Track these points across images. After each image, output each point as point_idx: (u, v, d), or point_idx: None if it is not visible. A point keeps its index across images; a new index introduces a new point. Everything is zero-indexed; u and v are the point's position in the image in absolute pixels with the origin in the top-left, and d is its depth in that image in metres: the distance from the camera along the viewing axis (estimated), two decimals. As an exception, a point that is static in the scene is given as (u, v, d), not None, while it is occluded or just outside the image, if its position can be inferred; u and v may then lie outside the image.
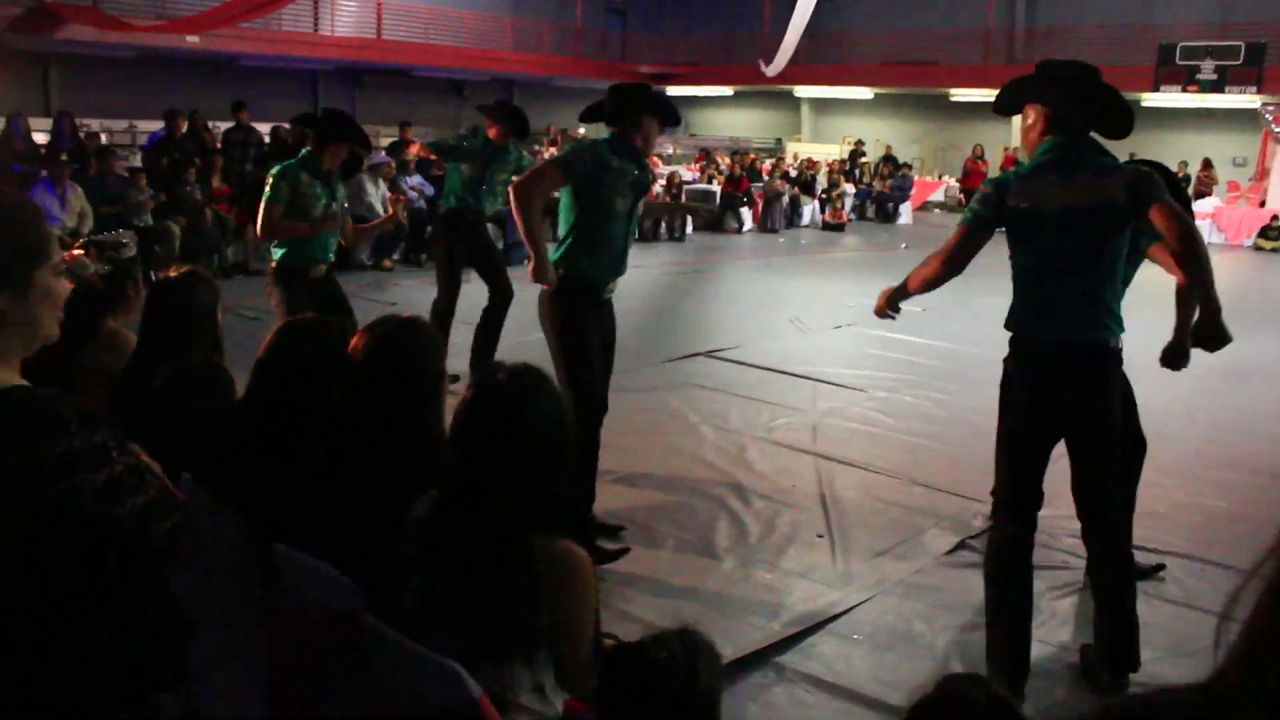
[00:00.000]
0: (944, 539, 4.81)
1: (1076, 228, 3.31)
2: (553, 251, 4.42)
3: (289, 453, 2.58)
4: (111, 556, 1.70)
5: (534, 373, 2.08)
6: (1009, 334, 3.49)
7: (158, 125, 16.45)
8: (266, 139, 14.65)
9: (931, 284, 3.57)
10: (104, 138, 18.46)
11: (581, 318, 4.40)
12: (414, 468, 2.31)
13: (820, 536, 4.80)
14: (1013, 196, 3.36)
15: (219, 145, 13.77)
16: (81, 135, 14.63)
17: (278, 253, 5.69)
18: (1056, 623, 4.06)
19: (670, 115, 4.60)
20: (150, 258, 11.25)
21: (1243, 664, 0.82)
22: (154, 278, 10.79)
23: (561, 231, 4.44)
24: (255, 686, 2.44)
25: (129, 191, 11.38)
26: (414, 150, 7.64)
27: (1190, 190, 21.95)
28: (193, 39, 19.62)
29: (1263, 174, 22.43)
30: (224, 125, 14.83)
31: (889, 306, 3.81)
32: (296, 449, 2.58)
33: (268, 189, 5.52)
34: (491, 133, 7.40)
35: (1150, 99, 23.70)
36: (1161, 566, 4.59)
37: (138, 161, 14.54)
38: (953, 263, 3.48)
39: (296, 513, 2.42)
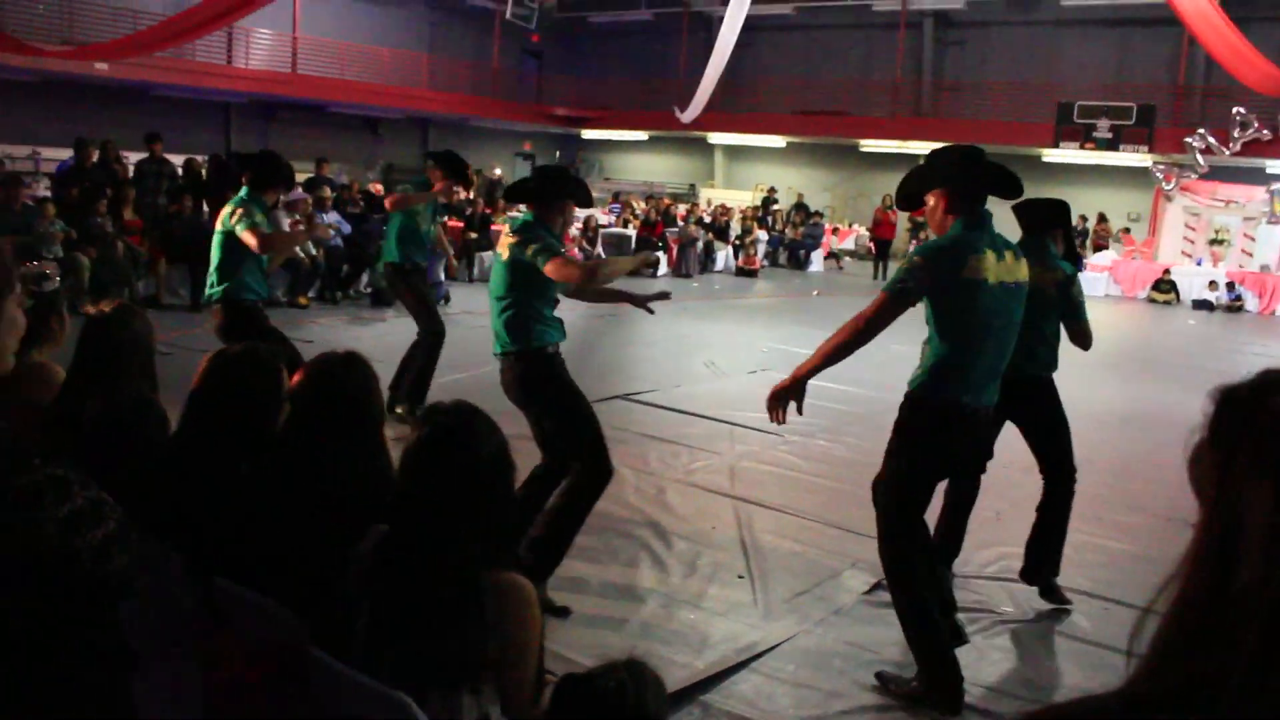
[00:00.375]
0: (860, 579, 4.94)
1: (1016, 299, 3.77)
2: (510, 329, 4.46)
3: (225, 484, 2.60)
4: (71, 588, 1.71)
5: (480, 413, 2.15)
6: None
7: (63, 153, 16.14)
8: (179, 170, 14.46)
9: (847, 350, 3.71)
10: (4, 164, 18.04)
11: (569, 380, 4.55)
12: (356, 503, 2.35)
13: (741, 577, 4.90)
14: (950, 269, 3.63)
15: (130, 176, 13.53)
16: (-15, 162, 14.27)
17: (222, 286, 5.95)
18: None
19: (587, 198, 4.76)
20: (60, 290, 11.02)
21: (1149, 669, 0.92)
22: (62, 310, 10.60)
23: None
24: (190, 722, 2.44)
25: (37, 221, 11.13)
26: (388, 205, 7.68)
27: (1088, 243, 22.82)
28: (101, 66, 19.28)
29: (1155, 230, 23.38)
30: (135, 156, 14.61)
31: (792, 396, 3.79)
32: (233, 480, 2.61)
33: (241, 214, 5.87)
34: (438, 183, 7.53)
35: (1050, 154, 24.62)
36: (1068, 606, 4.77)
37: (42, 190, 14.23)
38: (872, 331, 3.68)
39: (236, 546, 2.45)
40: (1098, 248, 22.95)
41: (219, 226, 6.05)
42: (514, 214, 20.09)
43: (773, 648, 4.16)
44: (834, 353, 3.70)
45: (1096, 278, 21.59)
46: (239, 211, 5.91)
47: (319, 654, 2.07)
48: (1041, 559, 4.82)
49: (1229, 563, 0.90)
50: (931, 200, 3.76)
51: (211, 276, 6.06)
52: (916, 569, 3.81)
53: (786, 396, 3.76)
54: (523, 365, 4.42)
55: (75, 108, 21.11)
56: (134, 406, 3.08)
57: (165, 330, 9.87)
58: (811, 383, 3.79)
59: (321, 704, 2.07)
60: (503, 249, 4.51)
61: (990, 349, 3.72)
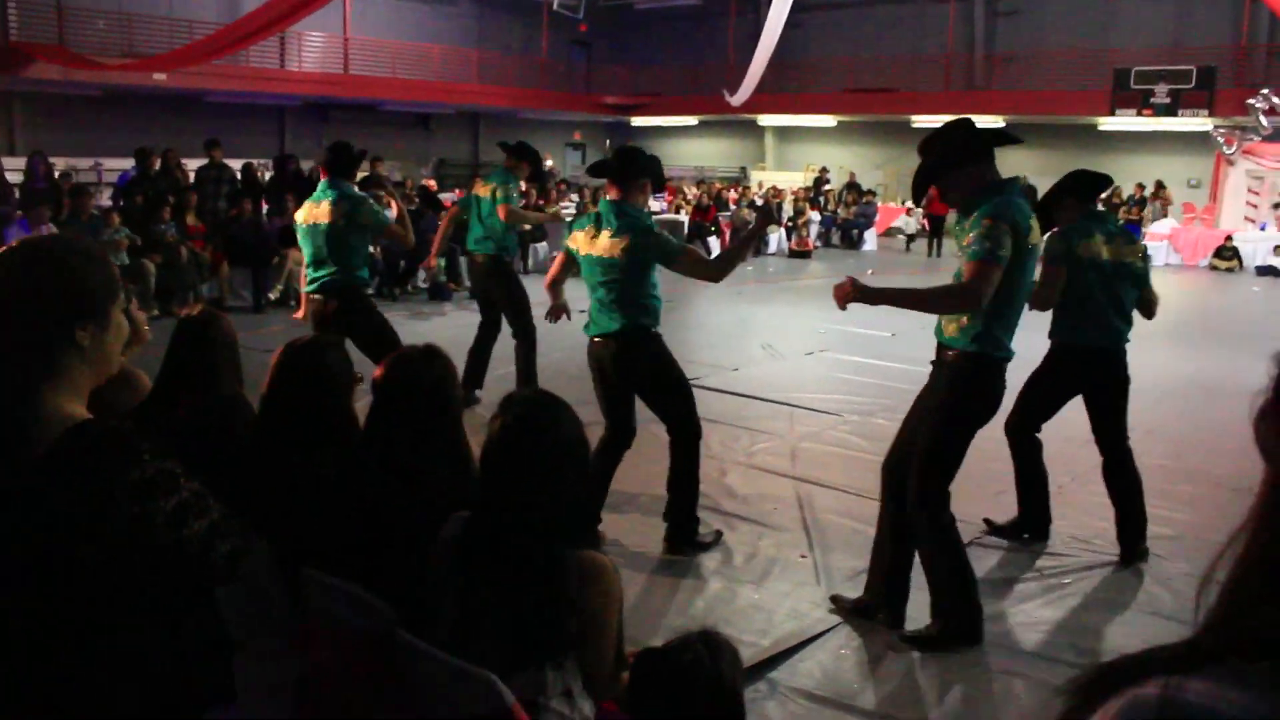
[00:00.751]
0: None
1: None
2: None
3: (306, 473, 2.74)
4: (178, 576, 1.84)
5: (557, 400, 2.26)
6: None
7: (124, 163, 16.51)
8: (238, 175, 14.76)
9: (936, 309, 4.00)
10: (71, 176, 18.50)
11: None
12: (440, 490, 2.47)
13: (803, 556, 4.97)
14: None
15: (191, 182, 13.83)
16: (55, 174, 14.66)
17: (359, 273, 6.34)
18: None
19: (661, 179, 5.07)
20: (127, 295, 11.32)
21: (1215, 623, 0.99)
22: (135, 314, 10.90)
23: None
24: (283, 709, 2.58)
25: (102, 230, 11.44)
26: (503, 215, 7.81)
27: (1146, 211, 22.46)
28: (160, 76, 19.68)
29: (1216, 196, 22.95)
30: (195, 162, 14.92)
31: (852, 298, 3.96)
32: (313, 468, 2.74)
33: (375, 207, 6.33)
34: (524, 179, 7.91)
35: (1106, 122, 24.27)
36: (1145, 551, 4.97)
37: (105, 199, 14.60)
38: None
39: (323, 536, 2.57)
40: (1158, 216, 22.58)
41: (319, 221, 6.19)
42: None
43: (836, 625, 4.24)
44: (921, 304, 3.91)
45: (1156, 246, 21.25)
46: (370, 204, 6.26)
47: (406, 636, 2.18)
48: (1126, 534, 5.00)
49: None
50: (949, 179, 3.90)
51: (324, 267, 6.21)
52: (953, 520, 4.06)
53: (851, 296, 3.91)
54: (642, 343, 4.92)
55: (134, 118, 21.60)
56: (227, 404, 3.23)
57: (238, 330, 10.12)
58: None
59: (410, 684, 2.18)
60: (609, 248, 4.73)
61: (1020, 306, 3.98)
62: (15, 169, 14.63)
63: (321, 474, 2.67)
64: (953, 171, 3.89)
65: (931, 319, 4.09)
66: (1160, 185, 23.33)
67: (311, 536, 2.57)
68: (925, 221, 23.08)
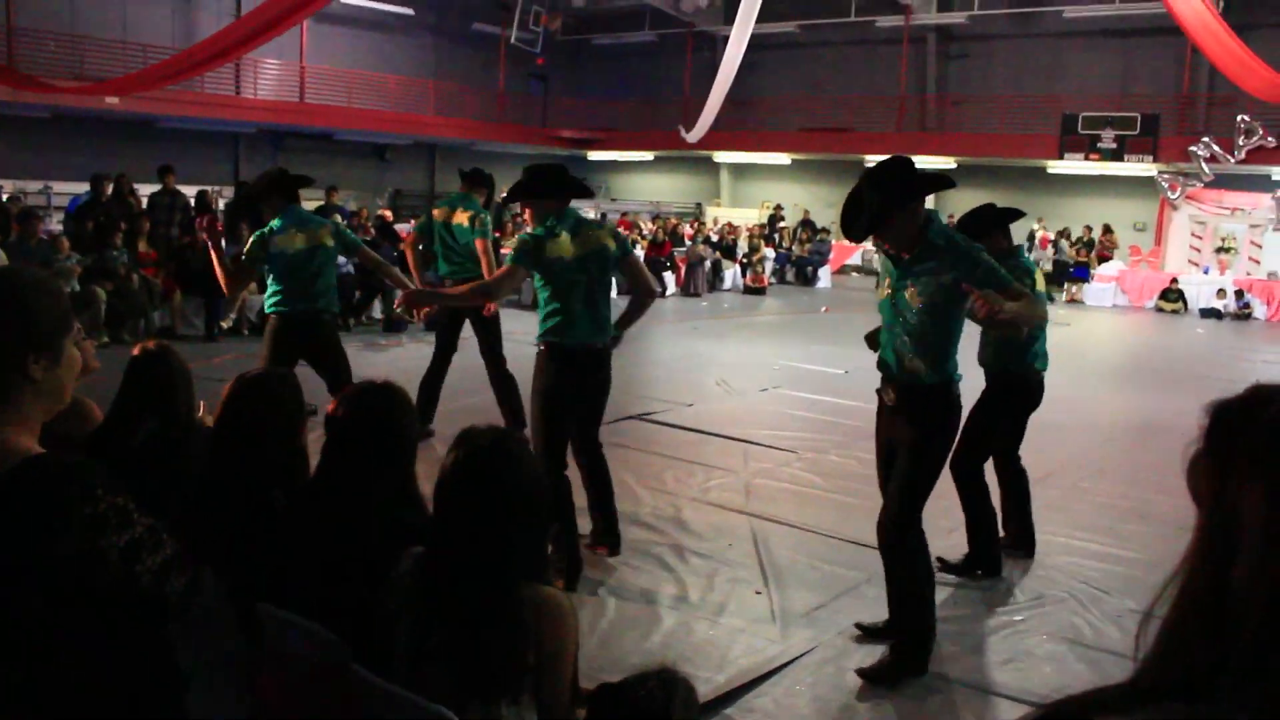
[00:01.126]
0: (876, 592, 5.00)
1: None
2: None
3: (258, 506, 2.71)
4: (130, 611, 1.81)
5: (513, 435, 2.25)
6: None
7: (75, 187, 16.32)
8: (190, 202, 14.62)
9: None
10: (20, 199, 18.24)
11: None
12: (393, 526, 2.45)
13: (759, 593, 4.97)
14: None
15: (144, 209, 13.68)
16: (3, 197, 14.45)
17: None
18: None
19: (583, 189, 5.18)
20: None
21: (1154, 662, 1.01)
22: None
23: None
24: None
25: (53, 256, 11.27)
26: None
27: (1094, 254, 22.87)
28: (112, 100, 19.49)
29: (1161, 239, 23.44)
30: (148, 188, 14.77)
31: None
32: (265, 502, 2.72)
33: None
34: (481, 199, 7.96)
35: (1055, 166, 24.72)
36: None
37: (55, 224, 14.40)
38: None
39: (277, 570, 2.54)
40: (1102, 258, 23.00)
41: (318, 243, 6.22)
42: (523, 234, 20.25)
43: (791, 661, 4.24)
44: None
45: (1104, 288, 21.70)
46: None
47: (360, 671, 2.16)
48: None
49: (1226, 560, 0.99)
50: (899, 218, 3.95)
51: (320, 293, 6.26)
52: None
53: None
54: None
55: (86, 142, 21.36)
56: (184, 430, 3.20)
57: (189, 359, 10.00)
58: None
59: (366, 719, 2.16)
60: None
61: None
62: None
63: (274, 507, 2.65)
64: (900, 211, 3.93)
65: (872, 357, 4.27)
66: (1107, 229, 23.79)
67: (265, 570, 2.54)
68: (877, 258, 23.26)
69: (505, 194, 5.11)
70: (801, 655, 4.29)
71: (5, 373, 1.81)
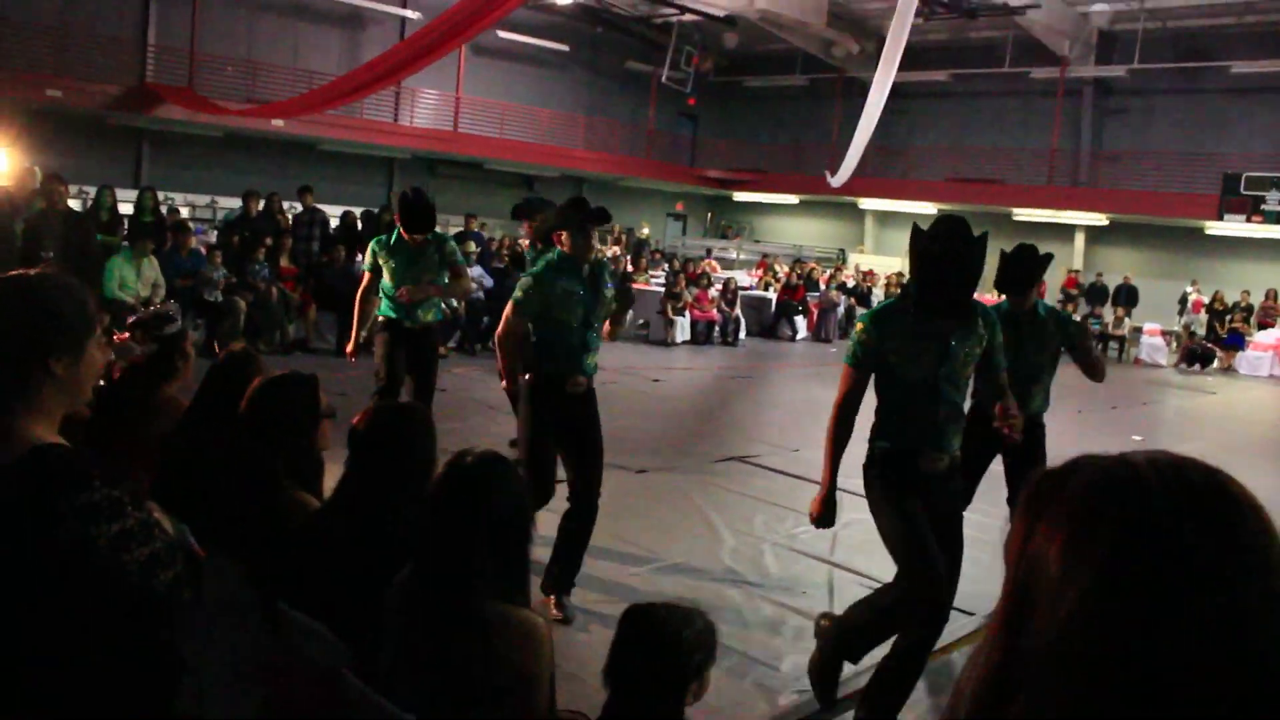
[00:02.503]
0: (942, 653, 4.89)
1: None
2: None
3: (272, 502, 2.85)
4: (118, 599, 1.93)
5: (502, 461, 2.31)
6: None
7: (238, 202, 17.18)
8: (336, 221, 15.24)
9: None
10: (186, 211, 19.32)
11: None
12: (400, 540, 2.54)
13: (823, 642, 4.90)
14: None
15: (288, 226, 14.32)
16: (163, 210, 15.29)
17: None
18: None
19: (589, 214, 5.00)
20: (217, 331, 11.74)
21: None
22: (216, 349, 11.29)
23: None
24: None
25: (203, 267, 11.90)
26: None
27: (1252, 320, 21.83)
28: (278, 122, 20.51)
29: (1327, 309, 22.25)
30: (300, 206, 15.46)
31: None
32: (278, 498, 2.86)
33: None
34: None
35: (1214, 227, 23.74)
36: None
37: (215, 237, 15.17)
38: None
39: (293, 569, 2.66)
40: (1263, 325, 21.92)
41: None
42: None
43: (845, 714, 4.17)
44: None
45: (1260, 357, 20.65)
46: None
47: (350, 678, 2.23)
48: None
49: (1026, 616, 0.99)
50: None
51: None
52: None
53: None
54: None
55: (251, 160, 22.51)
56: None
57: (313, 371, 10.40)
58: None
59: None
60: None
61: None
62: (131, 200, 15.30)
63: (287, 504, 2.77)
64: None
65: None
66: (1272, 294, 22.69)
67: (284, 568, 2.65)
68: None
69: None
70: (848, 712, 4.21)
71: (29, 368, 1.96)
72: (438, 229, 6.86)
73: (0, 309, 1.96)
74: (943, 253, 3.73)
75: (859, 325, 4.00)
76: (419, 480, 2.67)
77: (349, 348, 7.13)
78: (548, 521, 5.10)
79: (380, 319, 6.66)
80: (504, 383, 5.15)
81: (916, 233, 3.84)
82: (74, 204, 18.49)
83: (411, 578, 2.29)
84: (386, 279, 6.57)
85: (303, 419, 3.02)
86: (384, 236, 6.76)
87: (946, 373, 3.87)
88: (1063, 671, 0.94)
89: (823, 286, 20.77)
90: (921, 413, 3.91)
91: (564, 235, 4.90)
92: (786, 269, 21.86)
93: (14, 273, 2.06)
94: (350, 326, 7.25)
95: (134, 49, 21.17)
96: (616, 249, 20.16)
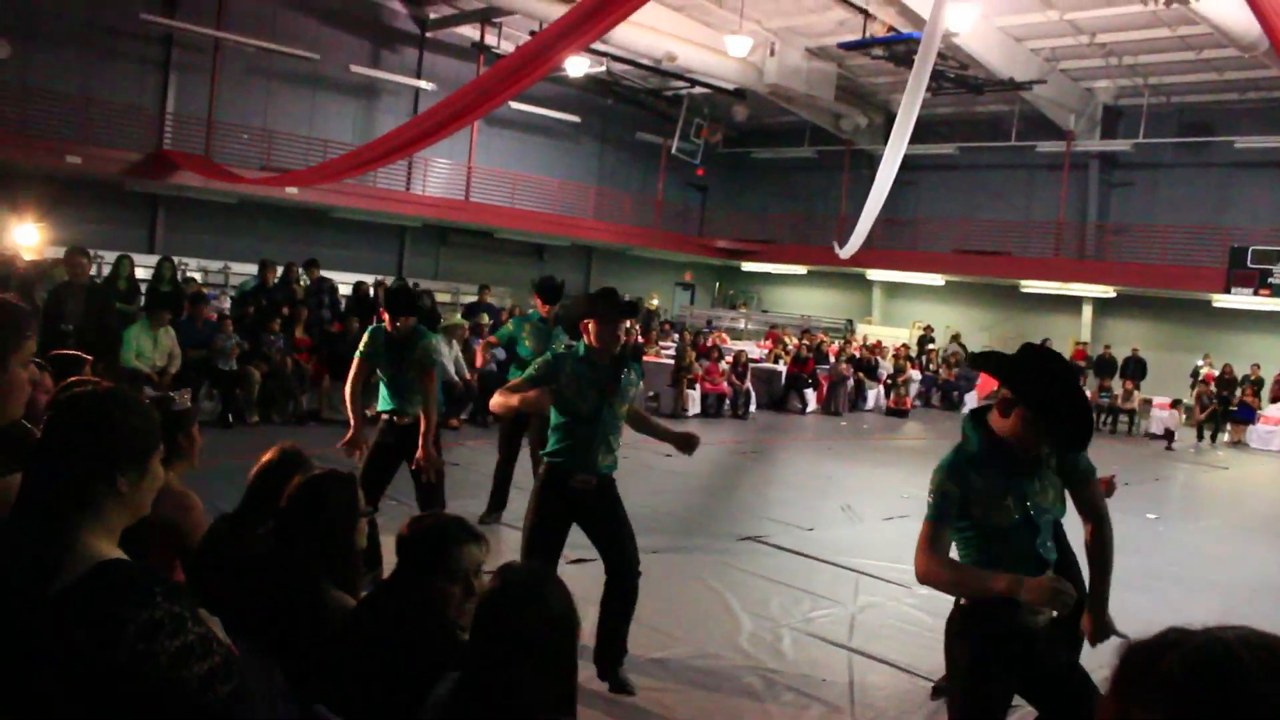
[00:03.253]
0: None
1: None
2: None
3: (314, 605, 2.86)
4: (177, 714, 1.94)
5: (551, 573, 2.33)
6: None
7: (251, 268, 17.36)
8: (348, 289, 15.36)
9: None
10: (199, 276, 19.48)
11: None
12: (441, 651, 2.55)
13: (845, 734, 4.88)
14: None
15: (303, 297, 14.42)
16: (180, 278, 15.43)
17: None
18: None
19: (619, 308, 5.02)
20: (231, 401, 11.79)
21: None
22: (230, 420, 11.32)
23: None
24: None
25: (217, 337, 11.98)
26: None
27: (1265, 393, 21.81)
28: (292, 190, 20.74)
29: (1339, 382, 22.23)
30: (321, 274, 15.58)
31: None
32: (318, 599, 2.87)
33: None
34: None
35: (1221, 300, 23.83)
36: None
37: (228, 303, 15.28)
38: None
39: (330, 672, 2.67)
40: (1275, 399, 21.89)
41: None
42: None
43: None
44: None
45: (1271, 430, 20.60)
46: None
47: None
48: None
49: None
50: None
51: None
52: None
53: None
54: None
55: (266, 227, 22.76)
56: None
57: (325, 443, 10.43)
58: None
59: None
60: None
61: None
62: (147, 266, 15.46)
63: (326, 606, 2.78)
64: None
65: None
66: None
67: (322, 670, 2.66)
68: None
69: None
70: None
71: (94, 484, 2.00)
72: (466, 299, 6.91)
73: (67, 426, 2.01)
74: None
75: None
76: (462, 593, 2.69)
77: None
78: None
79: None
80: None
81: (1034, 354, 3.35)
82: (91, 269, 18.75)
83: (455, 688, 2.29)
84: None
85: (341, 519, 3.04)
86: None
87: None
88: None
89: (832, 359, 20.81)
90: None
91: (591, 325, 4.91)
92: (795, 340, 21.92)
93: (80, 390, 2.10)
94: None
95: (153, 117, 21.49)
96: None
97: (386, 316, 6.46)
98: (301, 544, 2.95)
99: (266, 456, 3.53)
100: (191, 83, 22.14)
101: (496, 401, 5.01)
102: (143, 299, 13.17)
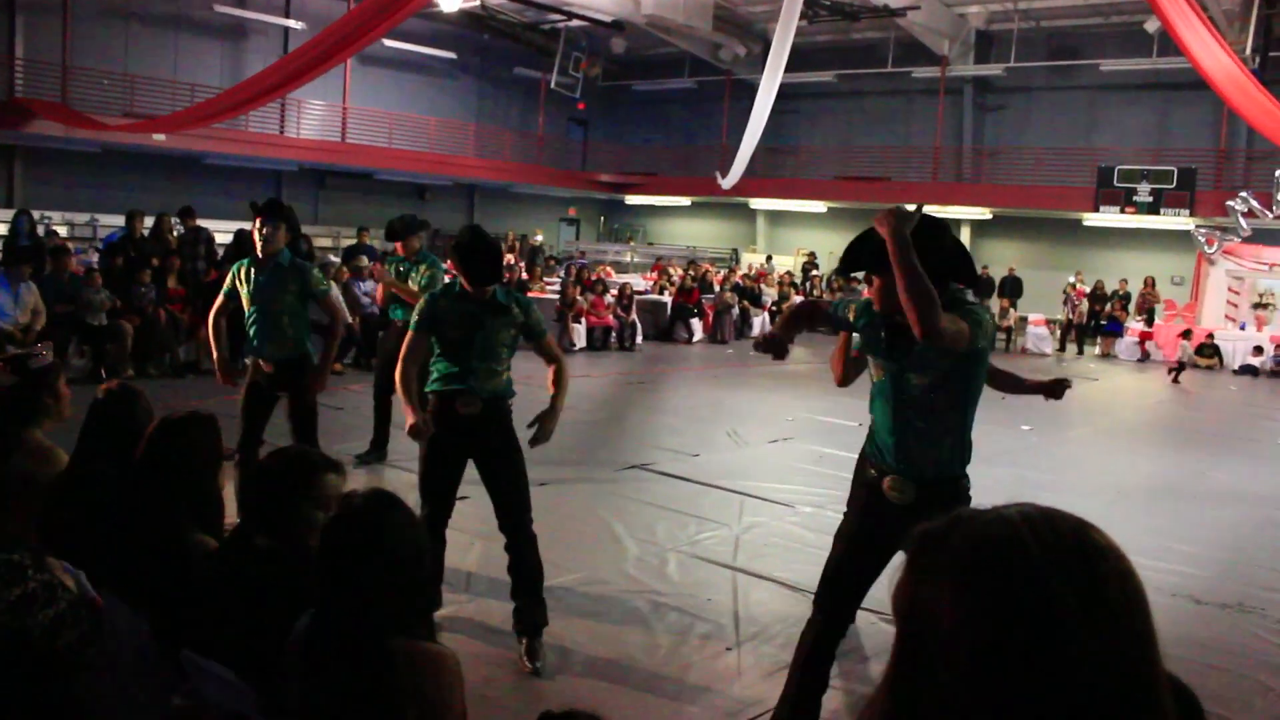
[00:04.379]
0: (852, 653, 5.01)
1: None
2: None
3: (178, 550, 2.83)
4: (21, 662, 1.91)
5: (388, 496, 2.34)
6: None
7: (120, 220, 16.78)
8: (226, 238, 14.92)
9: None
10: (64, 231, 18.73)
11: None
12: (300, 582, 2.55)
13: (729, 649, 5.00)
14: None
15: (175, 247, 13.99)
16: (40, 232, 14.83)
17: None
18: None
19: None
20: (103, 357, 11.43)
21: None
22: (103, 375, 10.97)
23: None
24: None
25: (84, 291, 11.56)
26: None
27: (1132, 307, 22.68)
28: (159, 137, 20.02)
29: (1197, 294, 23.22)
30: (198, 222, 15.11)
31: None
32: (183, 546, 2.84)
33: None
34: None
35: (1091, 218, 24.64)
36: None
37: (96, 258, 14.75)
38: None
39: (196, 615, 2.65)
40: (1142, 310, 22.78)
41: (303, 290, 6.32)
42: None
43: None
44: (920, 296, 3.25)
45: (1137, 342, 21.48)
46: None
47: (259, 723, 2.24)
48: None
49: (918, 664, 1.07)
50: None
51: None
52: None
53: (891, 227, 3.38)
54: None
55: (133, 176, 21.91)
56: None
57: (205, 395, 10.21)
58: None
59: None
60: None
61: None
62: (3, 220, 14.83)
63: (189, 550, 2.76)
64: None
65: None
66: (1150, 281, 23.64)
67: (187, 615, 2.64)
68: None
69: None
70: (760, 715, 4.31)
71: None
72: (346, 242, 6.79)
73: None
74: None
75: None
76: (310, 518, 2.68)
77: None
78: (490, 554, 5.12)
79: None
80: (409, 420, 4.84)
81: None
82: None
83: (312, 619, 2.30)
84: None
85: (205, 461, 3.00)
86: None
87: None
88: (957, 716, 1.02)
89: (717, 288, 20.97)
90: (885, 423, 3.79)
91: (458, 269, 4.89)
92: (681, 271, 22.03)
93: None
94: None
95: (0, 62, 20.47)
96: (510, 257, 20.09)
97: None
98: (163, 487, 2.90)
99: (98, 394, 3.46)
100: (41, 25, 21.10)
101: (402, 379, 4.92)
102: None
